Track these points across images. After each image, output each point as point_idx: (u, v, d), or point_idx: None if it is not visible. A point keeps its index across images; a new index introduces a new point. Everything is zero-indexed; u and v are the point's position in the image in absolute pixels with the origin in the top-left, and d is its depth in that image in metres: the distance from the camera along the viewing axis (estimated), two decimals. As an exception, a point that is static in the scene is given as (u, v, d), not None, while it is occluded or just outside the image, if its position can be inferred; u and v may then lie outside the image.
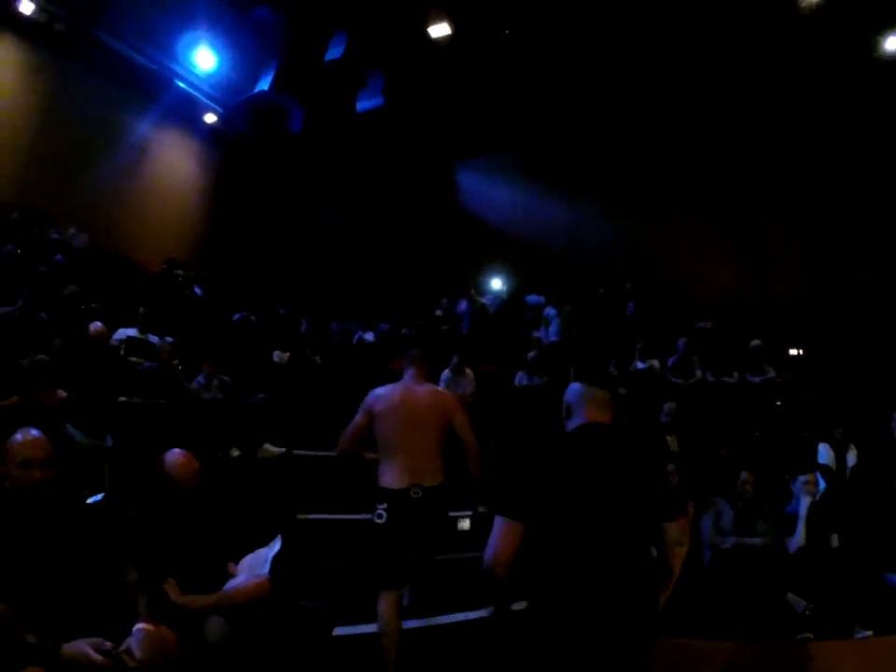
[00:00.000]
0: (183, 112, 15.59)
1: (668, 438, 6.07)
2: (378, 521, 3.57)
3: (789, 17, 11.36)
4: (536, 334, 10.02)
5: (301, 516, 5.38)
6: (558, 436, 2.52)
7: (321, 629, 3.32)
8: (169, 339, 7.29)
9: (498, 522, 2.20)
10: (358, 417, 3.83)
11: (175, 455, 3.29)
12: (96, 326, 6.65)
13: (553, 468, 2.27)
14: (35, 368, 5.40)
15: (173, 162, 16.28)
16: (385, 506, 3.56)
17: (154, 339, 7.59)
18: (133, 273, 12.76)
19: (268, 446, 6.24)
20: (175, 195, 16.32)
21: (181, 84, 14.90)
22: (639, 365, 8.70)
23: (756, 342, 8.39)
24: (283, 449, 6.26)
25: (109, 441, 5.19)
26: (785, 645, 4.24)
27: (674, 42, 12.12)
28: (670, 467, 5.05)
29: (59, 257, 9.38)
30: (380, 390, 3.87)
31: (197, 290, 12.75)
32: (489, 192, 15.40)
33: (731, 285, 11.81)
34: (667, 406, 6.28)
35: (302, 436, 6.87)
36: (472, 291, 12.03)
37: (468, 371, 8.21)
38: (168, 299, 11.41)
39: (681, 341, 8.51)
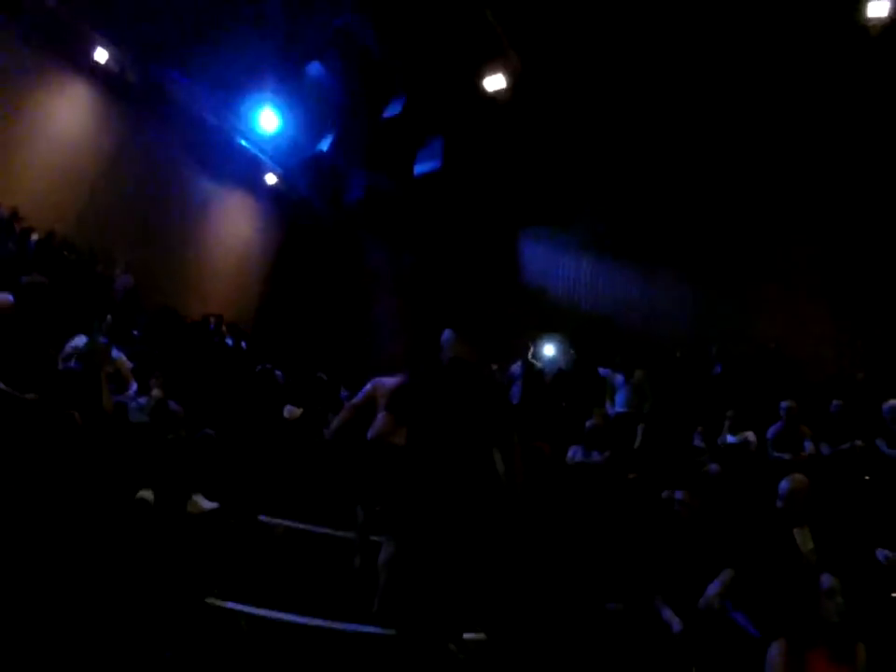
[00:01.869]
0: (246, 172, 14.85)
1: (796, 531, 3.43)
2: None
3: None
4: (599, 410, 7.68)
5: (210, 601, 3.61)
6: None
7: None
8: (104, 339, 5.50)
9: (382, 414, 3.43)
10: (361, 395, 4.29)
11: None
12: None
13: (424, 387, 3.29)
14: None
15: (232, 221, 15.48)
16: None
17: (115, 353, 5.87)
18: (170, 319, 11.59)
19: (198, 499, 4.22)
20: (233, 254, 15.43)
21: (245, 143, 14.11)
22: (730, 439, 6.24)
23: (893, 402, 5.84)
24: (215, 505, 4.22)
25: None
26: None
27: (757, 105, 10.24)
28: (825, 583, 2.67)
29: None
30: (380, 379, 4.21)
31: (229, 341, 11.31)
32: (553, 262, 13.41)
33: (834, 361, 9.25)
34: (786, 485, 3.53)
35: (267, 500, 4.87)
36: (530, 352, 9.80)
37: None
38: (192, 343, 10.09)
39: (785, 403, 5.97)
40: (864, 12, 8.07)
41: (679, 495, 3.89)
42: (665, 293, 11.75)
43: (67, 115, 12.01)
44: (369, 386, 4.21)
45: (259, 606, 3.70)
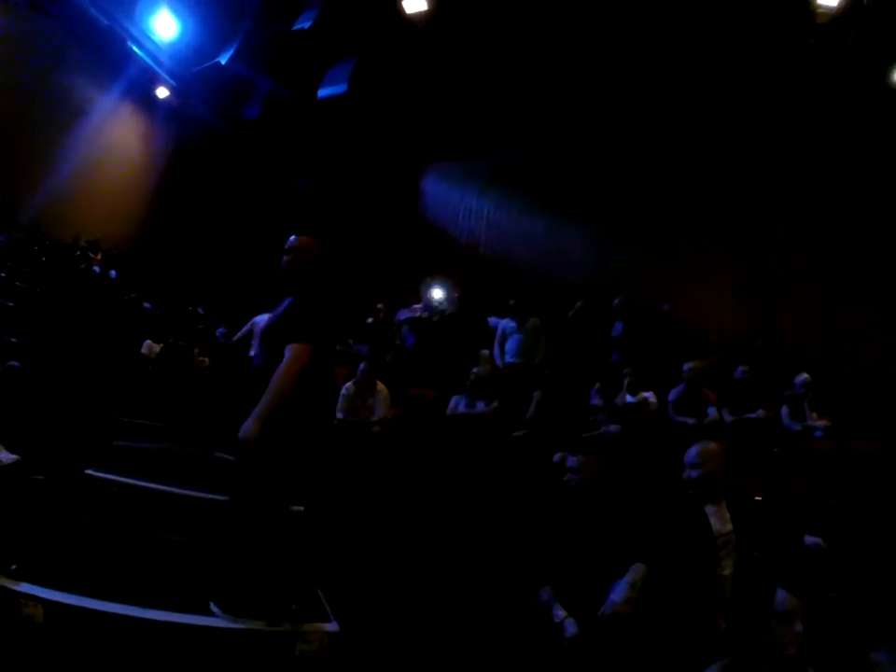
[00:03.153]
0: (136, 81, 12.92)
1: (710, 509, 2.78)
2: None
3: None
4: (486, 353, 7.13)
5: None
6: None
7: None
8: None
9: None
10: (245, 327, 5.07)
11: None
12: None
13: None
14: None
15: (118, 135, 13.51)
16: None
17: None
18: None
19: (-6, 449, 3.30)
20: (116, 172, 13.49)
21: (137, 50, 12.26)
22: (629, 398, 5.88)
23: (804, 376, 5.66)
24: (15, 457, 3.30)
25: None
26: None
27: (675, 49, 9.73)
28: (781, 604, 2.00)
29: None
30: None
31: (96, 269, 9.88)
32: (454, 199, 12.76)
33: (734, 325, 9.23)
34: (697, 451, 2.89)
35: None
36: (425, 297, 9.21)
37: (381, 386, 5.51)
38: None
39: (688, 365, 5.65)
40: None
41: (571, 460, 3.25)
42: (567, 239, 11.37)
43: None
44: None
45: (67, 589, 2.89)
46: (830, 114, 9.35)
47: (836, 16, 7.99)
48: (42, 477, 3.37)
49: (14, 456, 3.30)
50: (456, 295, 9.28)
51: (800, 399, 5.56)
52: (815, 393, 5.64)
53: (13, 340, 4.79)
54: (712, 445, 2.93)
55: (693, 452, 2.93)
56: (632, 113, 10.41)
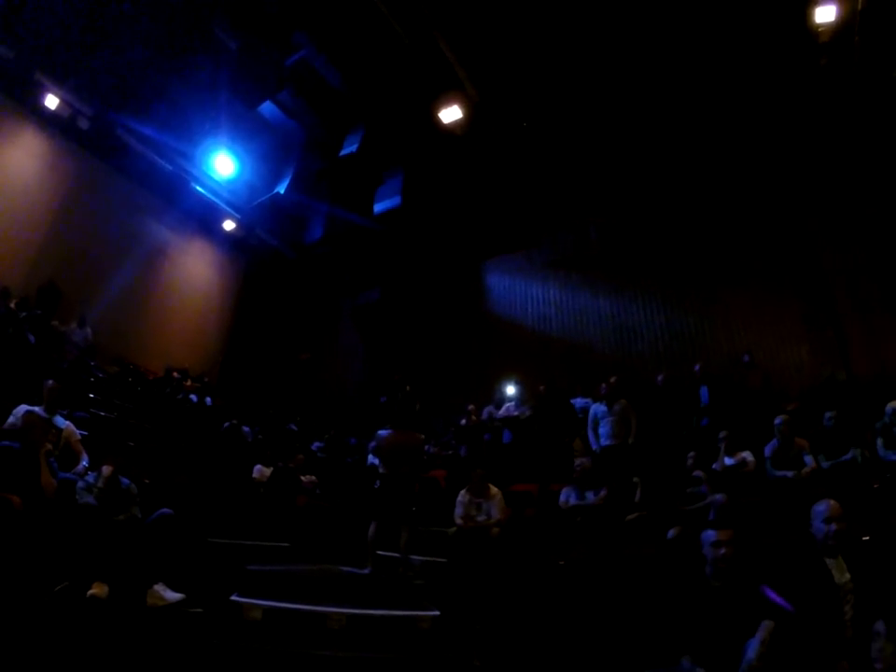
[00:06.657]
0: (203, 219, 14.51)
1: (829, 562, 3.01)
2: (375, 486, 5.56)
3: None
4: (578, 441, 7.38)
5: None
6: None
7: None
8: (39, 409, 5.01)
9: None
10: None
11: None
12: None
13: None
14: None
15: (191, 270, 14.99)
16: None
17: (61, 422, 5.35)
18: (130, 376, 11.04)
19: (160, 588, 3.75)
20: (193, 305, 14.88)
21: (201, 189, 13.78)
22: (727, 461, 5.96)
23: (894, 404, 5.62)
24: (180, 596, 3.75)
25: None
26: None
27: (708, 120, 10.26)
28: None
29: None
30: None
31: (193, 397, 10.73)
32: (519, 291, 13.22)
33: (813, 360, 9.18)
34: (824, 508, 3.13)
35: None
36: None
37: (494, 490, 5.80)
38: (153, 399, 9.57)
39: (779, 419, 5.72)
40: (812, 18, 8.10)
41: (710, 535, 3.24)
42: (637, 311, 11.56)
43: (16, 162, 11.46)
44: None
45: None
46: (873, 139, 9.53)
47: (837, 29, 8.25)
48: (200, 609, 3.79)
49: (179, 595, 3.74)
50: (542, 388, 9.63)
51: (891, 427, 5.51)
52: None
53: (147, 481, 5.36)
54: (833, 503, 3.16)
55: (818, 509, 3.19)
56: (675, 179, 10.85)
